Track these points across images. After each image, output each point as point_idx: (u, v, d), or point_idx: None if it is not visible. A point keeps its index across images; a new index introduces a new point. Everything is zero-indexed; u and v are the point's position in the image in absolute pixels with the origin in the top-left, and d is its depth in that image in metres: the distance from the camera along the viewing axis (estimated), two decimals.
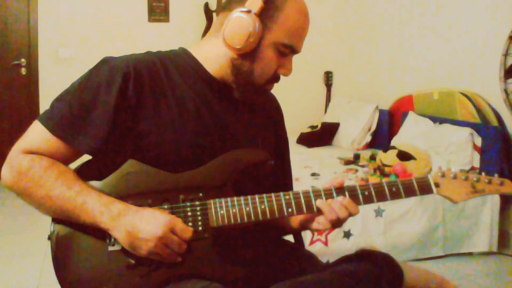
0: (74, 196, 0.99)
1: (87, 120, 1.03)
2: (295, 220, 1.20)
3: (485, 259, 2.84)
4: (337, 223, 1.07)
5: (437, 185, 1.10)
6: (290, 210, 1.06)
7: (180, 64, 1.13)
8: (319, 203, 1.07)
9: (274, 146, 1.26)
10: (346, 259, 1.14)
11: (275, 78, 1.13)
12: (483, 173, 1.12)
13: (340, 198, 1.07)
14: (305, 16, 1.11)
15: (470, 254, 2.86)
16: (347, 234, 2.60)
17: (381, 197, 1.08)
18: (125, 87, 1.04)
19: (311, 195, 1.07)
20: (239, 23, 1.05)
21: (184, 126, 1.08)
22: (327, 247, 2.54)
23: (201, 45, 1.17)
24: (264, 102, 1.26)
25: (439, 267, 2.68)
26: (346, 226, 2.57)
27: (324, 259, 1.37)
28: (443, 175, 1.11)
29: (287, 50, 1.09)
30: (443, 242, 2.79)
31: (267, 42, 1.07)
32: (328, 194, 1.08)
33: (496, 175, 1.12)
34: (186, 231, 1.01)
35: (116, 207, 0.99)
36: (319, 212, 1.08)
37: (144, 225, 0.97)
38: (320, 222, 1.09)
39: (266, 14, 1.06)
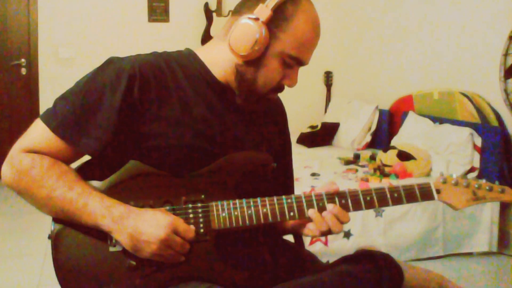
0: (76, 198, 0.99)
1: (90, 121, 1.03)
2: (288, 222, 1.19)
3: (485, 259, 2.84)
4: (327, 233, 1.07)
5: (438, 191, 1.10)
6: (292, 214, 1.06)
7: (186, 66, 1.12)
8: (311, 212, 1.06)
9: (277, 149, 1.25)
10: (346, 259, 1.14)
11: (279, 88, 1.12)
12: (484, 180, 1.12)
13: (331, 206, 1.06)
14: (315, 29, 1.08)
15: (470, 254, 2.86)
16: (347, 234, 2.61)
17: (383, 203, 1.09)
18: (131, 89, 1.03)
19: (313, 199, 1.07)
20: (246, 30, 1.04)
21: (188, 128, 1.07)
22: (327, 247, 2.54)
23: (208, 47, 1.17)
24: (269, 105, 1.25)
25: (439, 267, 2.68)
26: (346, 226, 2.57)
27: (324, 259, 1.37)
28: (444, 181, 1.11)
29: (293, 62, 1.07)
30: (443, 242, 2.79)
31: (273, 52, 1.06)
32: (330, 199, 1.08)
33: (497, 182, 1.12)
34: (188, 231, 1.01)
35: (117, 210, 0.99)
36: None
37: (146, 228, 0.97)
38: (311, 228, 1.08)
39: (274, 23, 1.04)
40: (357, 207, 1.08)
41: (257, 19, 1.03)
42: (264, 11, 1.03)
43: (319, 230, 1.06)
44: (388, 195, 1.08)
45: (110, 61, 1.07)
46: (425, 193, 1.10)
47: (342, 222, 1.06)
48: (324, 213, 1.06)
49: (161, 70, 1.08)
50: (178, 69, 1.11)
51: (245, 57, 1.05)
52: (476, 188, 1.10)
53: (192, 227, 1.02)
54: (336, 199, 1.07)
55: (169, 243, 0.98)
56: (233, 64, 1.09)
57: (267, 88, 1.09)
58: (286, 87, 1.13)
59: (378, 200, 1.08)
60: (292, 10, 1.05)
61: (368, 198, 1.08)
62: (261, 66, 1.07)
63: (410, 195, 1.09)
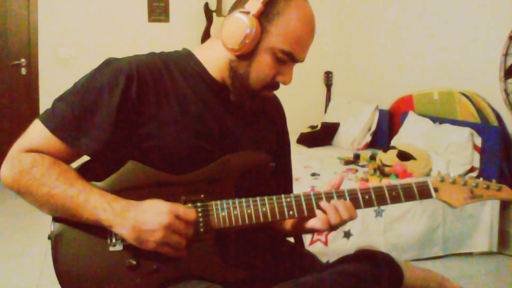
0: (77, 194, 0.99)
1: (89, 121, 1.03)
2: (288, 223, 1.19)
3: (485, 259, 2.84)
4: (337, 225, 1.07)
5: (436, 189, 1.11)
6: (291, 212, 1.06)
7: (183, 66, 1.13)
8: (323, 204, 1.06)
9: (275, 149, 1.25)
10: (346, 259, 1.14)
11: (274, 85, 1.11)
12: (481, 178, 1.13)
13: (342, 200, 1.06)
14: (308, 24, 1.07)
15: (470, 254, 2.86)
16: (347, 234, 2.61)
17: (381, 201, 1.09)
18: (128, 89, 1.03)
19: (312, 197, 1.07)
20: (236, 23, 1.04)
21: (186, 128, 1.07)
22: (327, 247, 2.54)
23: (204, 46, 1.17)
24: (268, 105, 1.25)
25: (439, 267, 2.68)
26: (346, 226, 2.58)
27: (324, 259, 1.37)
28: (442, 180, 1.11)
29: (286, 57, 1.06)
30: (443, 242, 2.79)
31: (265, 46, 1.05)
32: (329, 197, 1.07)
33: (494, 180, 1.13)
34: (190, 213, 1.01)
35: (118, 204, 0.99)
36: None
37: (148, 217, 0.97)
38: (320, 218, 1.06)
39: (265, 17, 1.04)
40: (356, 205, 1.08)
41: (247, 12, 1.04)
42: (255, 4, 1.03)
43: (330, 221, 1.04)
44: (387, 194, 1.09)
45: (108, 62, 1.07)
46: (423, 192, 1.10)
47: (351, 218, 1.06)
48: (332, 202, 1.06)
49: (159, 70, 1.09)
50: (175, 69, 1.11)
51: (237, 51, 1.05)
52: (473, 187, 1.11)
53: (193, 209, 1.02)
54: (335, 198, 1.07)
55: (173, 228, 0.98)
56: (227, 60, 1.09)
57: (261, 84, 1.09)
58: (282, 86, 1.12)
59: (376, 199, 1.08)
60: (284, 5, 1.05)
61: (366, 196, 1.08)
62: (253, 61, 1.06)
63: (408, 194, 1.09)
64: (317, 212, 1.07)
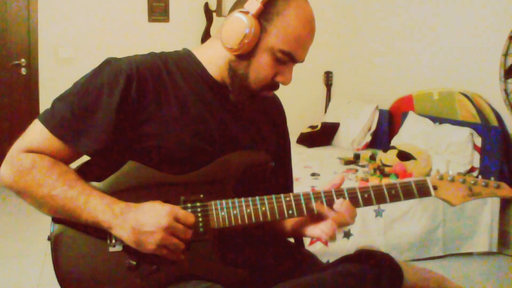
0: (76, 196, 0.99)
1: (88, 121, 1.03)
2: (288, 224, 1.19)
3: (485, 259, 2.84)
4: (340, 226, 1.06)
5: (435, 187, 1.10)
6: (290, 212, 1.06)
7: (183, 66, 1.13)
8: (318, 206, 1.06)
9: (275, 149, 1.25)
10: (346, 259, 1.14)
11: (273, 86, 1.11)
12: (480, 176, 1.13)
13: (340, 200, 1.06)
14: (307, 24, 1.07)
15: (470, 254, 2.86)
16: (347, 234, 2.61)
17: (381, 200, 1.08)
18: (128, 90, 1.03)
19: (312, 197, 1.07)
20: (235, 23, 1.04)
21: (186, 128, 1.07)
22: (327, 247, 2.54)
23: (204, 46, 1.17)
24: (268, 105, 1.25)
25: (439, 267, 2.68)
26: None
27: (324, 259, 1.37)
28: (441, 178, 1.11)
29: (285, 58, 1.06)
30: (443, 242, 2.79)
31: (264, 46, 1.05)
32: (329, 197, 1.07)
33: (492, 178, 1.13)
34: (189, 216, 1.01)
35: (118, 206, 0.99)
36: (319, 215, 1.07)
37: (147, 219, 0.97)
38: (322, 229, 1.06)
39: (265, 17, 1.04)
40: (355, 204, 1.08)
41: (247, 12, 1.03)
42: (254, 4, 1.03)
43: (333, 221, 1.04)
44: (386, 192, 1.08)
45: (108, 62, 1.07)
46: (422, 190, 1.10)
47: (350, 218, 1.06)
48: (335, 206, 1.05)
49: (159, 70, 1.09)
50: (175, 69, 1.11)
51: (237, 51, 1.05)
52: (472, 184, 1.11)
53: (192, 213, 1.02)
54: (334, 197, 1.07)
55: (172, 231, 0.97)
56: (226, 60, 1.09)
57: (260, 84, 1.09)
58: (282, 86, 1.12)
59: (375, 197, 1.08)
60: (283, 5, 1.05)
61: (365, 195, 1.08)
62: (252, 61, 1.06)
63: (407, 192, 1.09)
64: (319, 225, 1.06)
